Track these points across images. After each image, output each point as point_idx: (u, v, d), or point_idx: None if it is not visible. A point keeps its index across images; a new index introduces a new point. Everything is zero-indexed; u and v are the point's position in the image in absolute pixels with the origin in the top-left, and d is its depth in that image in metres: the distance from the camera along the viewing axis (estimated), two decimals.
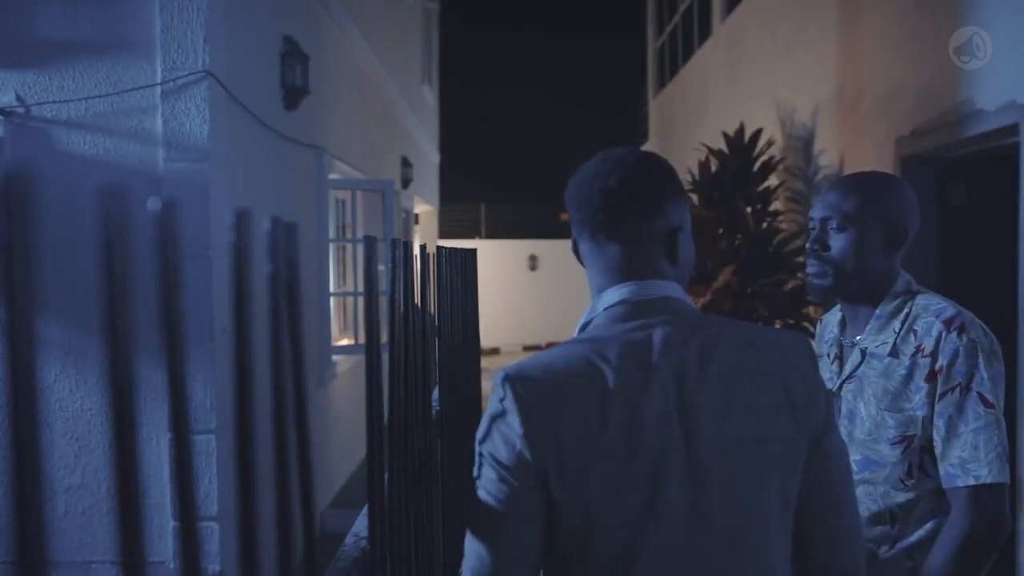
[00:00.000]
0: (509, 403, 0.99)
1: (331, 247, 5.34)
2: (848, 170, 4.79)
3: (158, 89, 3.17)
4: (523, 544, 0.99)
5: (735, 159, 5.29)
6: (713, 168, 5.39)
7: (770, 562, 0.98)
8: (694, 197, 5.42)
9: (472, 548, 1.02)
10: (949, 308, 1.40)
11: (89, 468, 3.19)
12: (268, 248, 0.47)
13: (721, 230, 5.14)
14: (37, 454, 0.31)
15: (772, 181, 5.49)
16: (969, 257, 3.95)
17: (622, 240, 1.06)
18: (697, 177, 5.41)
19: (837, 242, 1.47)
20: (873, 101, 4.47)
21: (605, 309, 1.05)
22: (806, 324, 4.92)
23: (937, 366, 1.36)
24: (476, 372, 2.97)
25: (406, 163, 8.34)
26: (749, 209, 5.12)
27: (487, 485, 1.00)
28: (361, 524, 1.22)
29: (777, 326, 4.97)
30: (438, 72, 12.52)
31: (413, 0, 9.61)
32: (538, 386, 0.98)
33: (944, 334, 1.36)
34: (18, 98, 3.16)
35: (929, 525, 1.41)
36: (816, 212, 1.51)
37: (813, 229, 1.52)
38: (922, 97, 3.89)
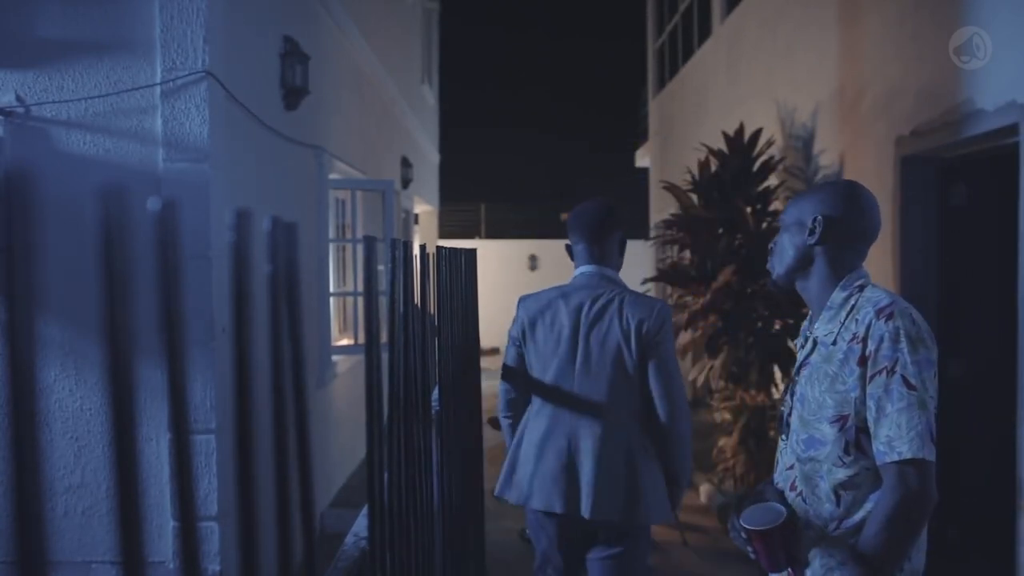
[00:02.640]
0: (517, 307, 2.41)
1: (331, 247, 5.34)
2: (848, 170, 4.80)
3: (158, 89, 3.17)
4: (518, 374, 2.36)
5: (735, 159, 5.29)
6: (713, 168, 5.39)
7: (612, 398, 2.20)
8: (694, 197, 5.42)
9: (500, 384, 2.46)
10: (885, 299, 1.53)
11: (89, 468, 3.19)
12: (268, 248, 0.47)
13: (721, 230, 5.14)
14: (37, 454, 0.31)
15: (772, 181, 5.49)
16: (969, 257, 3.95)
17: (594, 243, 2.34)
18: (697, 177, 5.41)
19: (778, 238, 1.74)
20: (873, 101, 4.47)
21: (576, 276, 2.34)
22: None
23: (867, 351, 1.49)
24: (476, 372, 2.97)
25: (406, 163, 8.34)
26: (749, 209, 5.12)
27: (507, 348, 2.43)
28: (361, 524, 1.22)
29: (777, 326, 4.99)
30: (438, 72, 12.51)
31: (413, 0, 9.61)
32: (528, 298, 2.39)
33: (874, 321, 1.50)
34: (18, 98, 3.16)
35: (869, 505, 1.51)
36: None
37: None
38: (922, 97, 3.89)
